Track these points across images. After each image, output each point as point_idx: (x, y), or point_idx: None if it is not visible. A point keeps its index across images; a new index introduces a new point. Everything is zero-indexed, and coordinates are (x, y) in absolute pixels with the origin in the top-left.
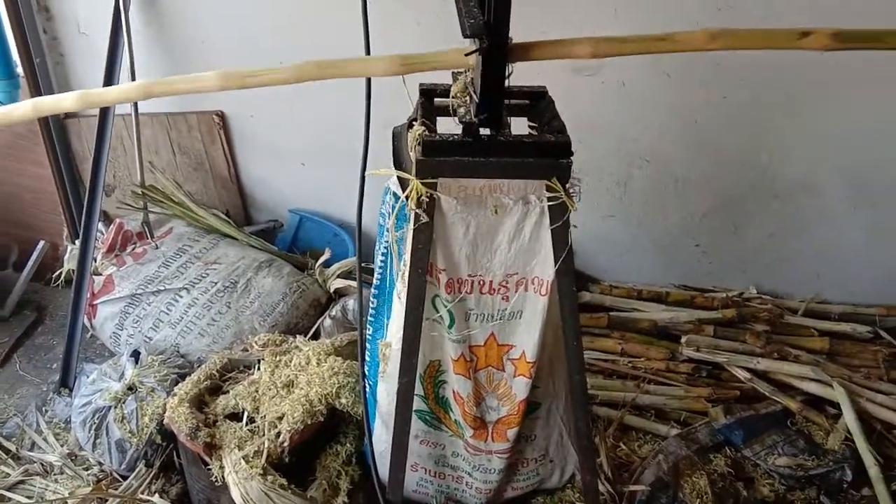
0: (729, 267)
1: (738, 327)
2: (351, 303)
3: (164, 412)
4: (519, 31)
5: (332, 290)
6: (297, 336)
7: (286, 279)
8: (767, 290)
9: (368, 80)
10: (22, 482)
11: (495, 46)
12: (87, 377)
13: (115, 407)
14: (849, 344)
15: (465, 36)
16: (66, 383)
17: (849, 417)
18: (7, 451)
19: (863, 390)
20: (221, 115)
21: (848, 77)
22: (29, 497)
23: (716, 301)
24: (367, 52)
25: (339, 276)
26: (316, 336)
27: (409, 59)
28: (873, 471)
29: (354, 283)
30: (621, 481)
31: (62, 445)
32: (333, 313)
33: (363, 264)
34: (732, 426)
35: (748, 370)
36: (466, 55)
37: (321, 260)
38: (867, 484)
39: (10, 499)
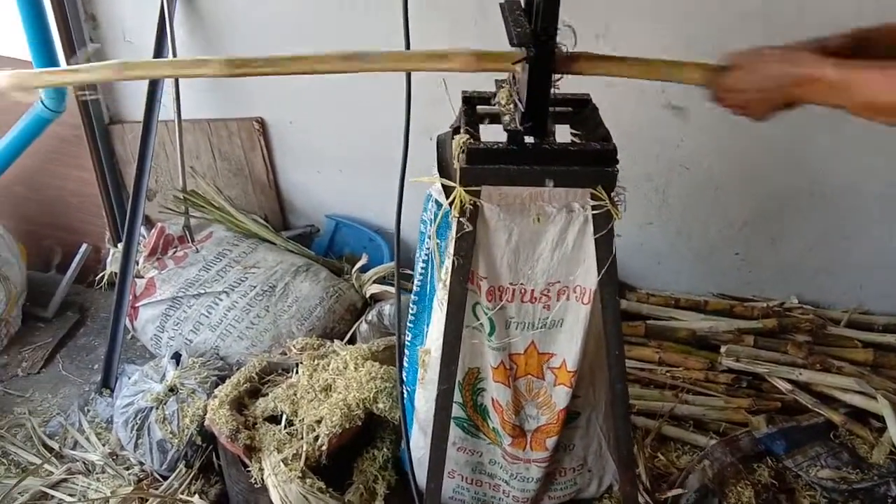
0: (769, 276)
1: (779, 338)
2: (387, 308)
3: (205, 414)
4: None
5: (368, 296)
6: (335, 340)
7: (323, 284)
8: (809, 300)
9: (409, 87)
10: (65, 480)
11: (542, 56)
12: (129, 378)
13: (157, 408)
14: (893, 356)
15: (512, 45)
16: (107, 384)
17: (894, 431)
18: (50, 450)
19: None
20: (261, 122)
21: None
22: (71, 495)
23: (756, 311)
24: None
25: (375, 282)
26: (352, 341)
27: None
28: None
29: (390, 289)
30: (660, 492)
31: (104, 445)
32: (370, 318)
33: (400, 270)
34: (774, 436)
35: (790, 381)
36: (513, 63)
37: (358, 265)
38: None
39: (53, 496)
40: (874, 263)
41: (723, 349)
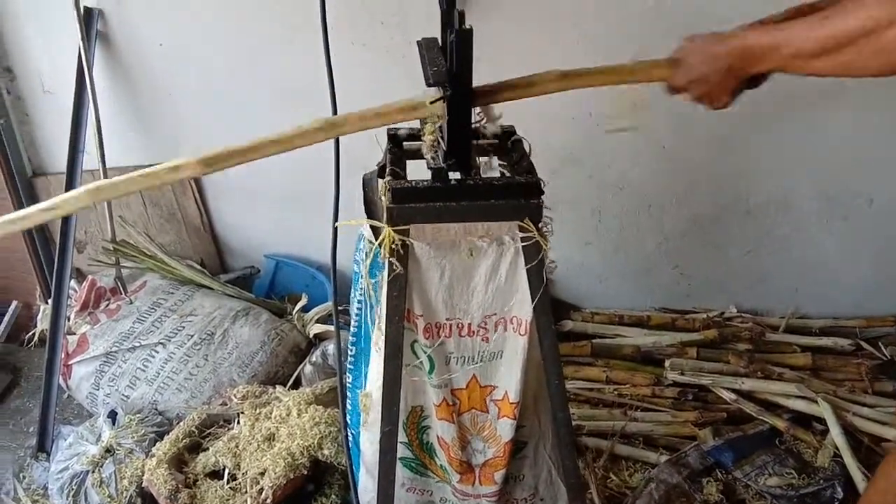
0: (708, 287)
1: (720, 348)
2: (331, 348)
3: (144, 474)
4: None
5: (311, 336)
6: (277, 386)
7: (264, 327)
8: (747, 308)
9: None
10: None
11: (459, 93)
12: (65, 440)
13: (93, 471)
14: (831, 358)
15: (429, 84)
16: (43, 447)
17: (835, 433)
18: None
19: (848, 404)
20: None
21: (815, 92)
22: None
23: (697, 322)
24: (333, 99)
25: (318, 321)
26: (297, 383)
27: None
28: (862, 486)
29: (334, 328)
30: None
31: None
32: (314, 359)
33: (341, 307)
34: (722, 448)
35: (733, 391)
36: (431, 103)
37: (299, 305)
38: (858, 500)
39: None
40: (808, 268)
41: (667, 363)
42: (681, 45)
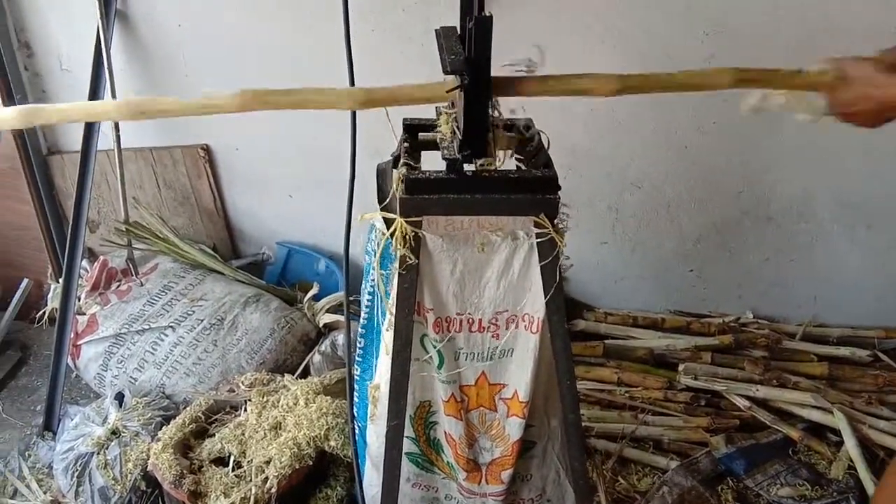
0: (724, 292)
1: (735, 354)
2: (340, 338)
3: (149, 458)
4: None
5: (321, 325)
6: (285, 375)
7: (274, 314)
8: (764, 314)
9: (353, 113)
10: None
11: (477, 83)
12: (71, 420)
13: (98, 452)
14: (848, 368)
15: (446, 72)
16: (49, 426)
17: (850, 445)
18: None
19: (864, 416)
20: (207, 149)
21: None
22: None
23: (712, 327)
24: (352, 82)
25: (328, 311)
26: (305, 372)
27: (374, 94)
28: None
29: (344, 318)
30: None
31: (45, 492)
32: (323, 349)
33: (352, 297)
34: (734, 455)
35: (747, 398)
36: (448, 92)
37: (310, 294)
38: None
39: None
40: (827, 275)
41: (681, 367)
42: (843, 60)
